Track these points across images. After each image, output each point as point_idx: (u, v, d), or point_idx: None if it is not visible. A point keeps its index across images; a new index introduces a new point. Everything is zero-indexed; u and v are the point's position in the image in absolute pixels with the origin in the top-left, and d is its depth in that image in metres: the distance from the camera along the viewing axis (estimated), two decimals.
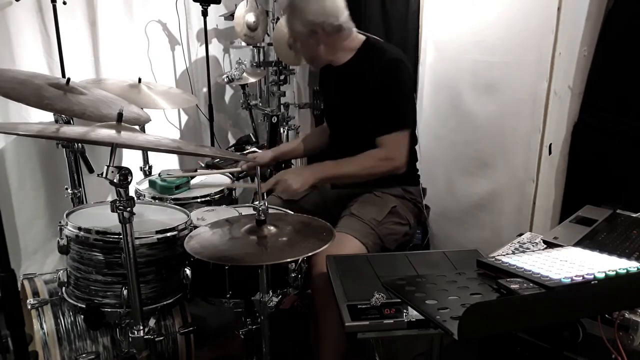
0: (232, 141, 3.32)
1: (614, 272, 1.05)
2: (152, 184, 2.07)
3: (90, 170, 2.18)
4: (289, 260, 1.51)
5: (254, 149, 2.71)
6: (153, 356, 1.55)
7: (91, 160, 2.18)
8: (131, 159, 2.57)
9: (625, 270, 1.07)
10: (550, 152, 2.25)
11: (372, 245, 1.80)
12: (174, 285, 1.64)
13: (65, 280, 1.63)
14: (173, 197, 2.00)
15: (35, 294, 1.66)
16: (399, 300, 1.16)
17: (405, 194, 2.00)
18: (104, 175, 1.28)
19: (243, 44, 3.18)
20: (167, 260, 1.62)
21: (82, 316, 1.58)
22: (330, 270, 1.43)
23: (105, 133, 1.30)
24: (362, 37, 1.95)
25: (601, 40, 2.17)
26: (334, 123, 2.13)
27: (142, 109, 1.90)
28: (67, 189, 2.22)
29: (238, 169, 2.23)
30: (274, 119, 2.99)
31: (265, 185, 1.84)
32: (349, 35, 1.92)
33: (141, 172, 2.43)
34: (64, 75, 2.28)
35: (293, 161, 2.79)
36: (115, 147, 1.28)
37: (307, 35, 1.87)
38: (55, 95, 1.54)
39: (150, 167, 2.45)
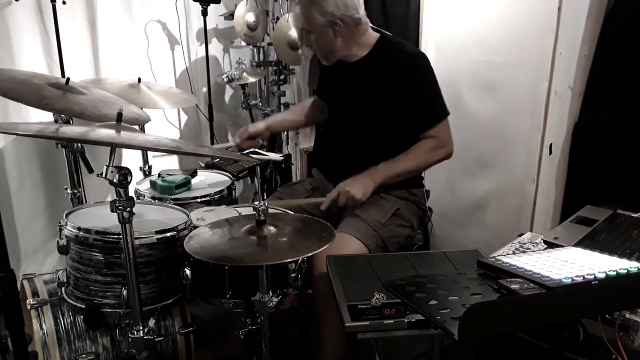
0: (231, 141, 3.32)
1: (615, 273, 1.05)
2: (153, 184, 2.06)
3: (90, 170, 2.17)
4: (289, 260, 1.51)
5: (254, 149, 2.71)
6: (153, 356, 1.54)
7: (91, 160, 2.18)
8: (131, 159, 2.57)
9: (625, 271, 1.06)
10: (550, 152, 2.25)
11: (374, 247, 1.79)
12: (174, 286, 1.64)
13: (65, 280, 1.62)
14: (173, 197, 2.00)
15: (35, 294, 1.66)
16: (399, 300, 1.16)
17: (410, 196, 1.99)
18: (104, 175, 1.27)
19: (243, 43, 3.18)
20: (166, 261, 1.61)
21: (82, 316, 1.58)
22: (330, 271, 1.43)
23: (105, 133, 1.29)
24: (376, 34, 1.93)
25: (601, 40, 2.17)
26: (344, 120, 2.05)
27: (141, 108, 1.90)
28: (66, 189, 2.22)
29: (232, 144, 2.18)
30: None
31: (328, 199, 1.84)
32: (366, 30, 1.90)
33: (141, 172, 2.43)
34: (63, 75, 2.27)
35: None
36: (114, 147, 1.28)
37: (325, 27, 1.83)
38: (55, 95, 1.54)
39: (150, 167, 2.45)
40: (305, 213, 1.95)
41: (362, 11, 1.86)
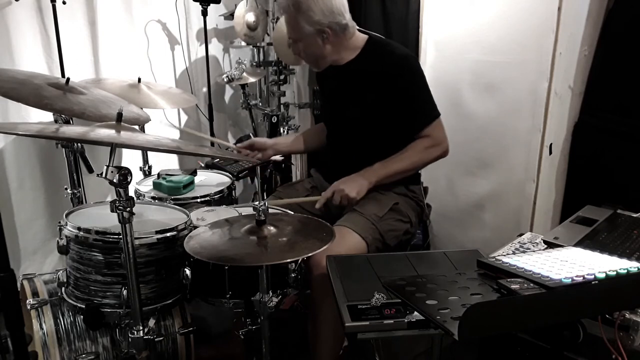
0: (232, 141, 3.32)
1: (615, 273, 1.04)
2: (157, 185, 2.05)
3: (90, 170, 2.17)
4: (289, 260, 1.51)
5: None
6: (153, 356, 1.55)
7: (91, 160, 2.18)
8: (131, 159, 2.57)
9: (625, 271, 1.06)
10: (550, 152, 2.25)
11: (372, 240, 1.79)
12: (174, 286, 1.64)
13: (65, 280, 1.62)
14: (173, 197, 1.99)
15: (35, 294, 1.66)
16: (399, 300, 1.16)
17: (408, 192, 2.00)
18: (104, 175, 1.27)
19: (243, 43, 3.18)
20: (166, 261, 1.62)
21: (82, 316, 1.58)
22: (330, 271, 1.43)
23: (105, 133, 1.29)
24: (363, 36, 1.93)
25: (602, 40, 2.17)
26: (337, 123, 2.07)
27: (141, 108, 1.90)
28: (66, 189, 2.22)
29: (232, 145, 2.18)
30: (274, 119, 2.99)
31: (322, 197, 1.84)
32: (353, 34, 1.90)
33: (141, 172, 2.43)
34: (63, 75, 2.27)
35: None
36: (114, 147, 1.28)
37: (313, 35, 1.83)
38: (55, 95, 1.54)
39: (150, 167, 2.45)
40: (305, 212, 1.95)
41: (347, 15, 1.86)
